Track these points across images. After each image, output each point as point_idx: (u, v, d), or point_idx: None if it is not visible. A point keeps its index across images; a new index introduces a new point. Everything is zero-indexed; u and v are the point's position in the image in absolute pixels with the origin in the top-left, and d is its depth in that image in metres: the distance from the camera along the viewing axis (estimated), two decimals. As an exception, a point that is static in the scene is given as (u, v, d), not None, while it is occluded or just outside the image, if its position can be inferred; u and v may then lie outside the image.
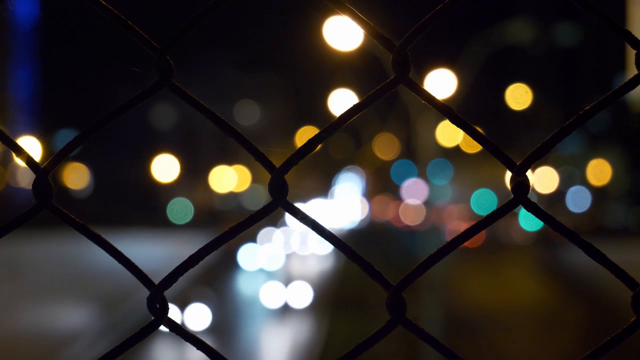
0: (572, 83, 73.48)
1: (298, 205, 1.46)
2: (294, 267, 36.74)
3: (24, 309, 27.24)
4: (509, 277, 38.51)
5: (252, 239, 36.06)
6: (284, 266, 35.33)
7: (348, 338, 22.41)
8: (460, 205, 63.01)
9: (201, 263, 1.50)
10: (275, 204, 1.45)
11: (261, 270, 33.87)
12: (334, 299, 29.92)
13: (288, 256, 38.39)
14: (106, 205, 63.63)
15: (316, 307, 28.12)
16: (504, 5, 72.75)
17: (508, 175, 1.47)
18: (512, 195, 1.45)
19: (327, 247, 39.95)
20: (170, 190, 65.32)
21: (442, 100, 1.44)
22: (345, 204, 68.57)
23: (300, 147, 1.45)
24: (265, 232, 37.76)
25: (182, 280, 1.55)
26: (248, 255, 34.56)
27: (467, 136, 1.47)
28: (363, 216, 68.88)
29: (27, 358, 21.21)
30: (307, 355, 22.42)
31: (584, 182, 67.12)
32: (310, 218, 1.45)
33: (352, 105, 1.45)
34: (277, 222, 39.69)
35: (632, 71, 1.46)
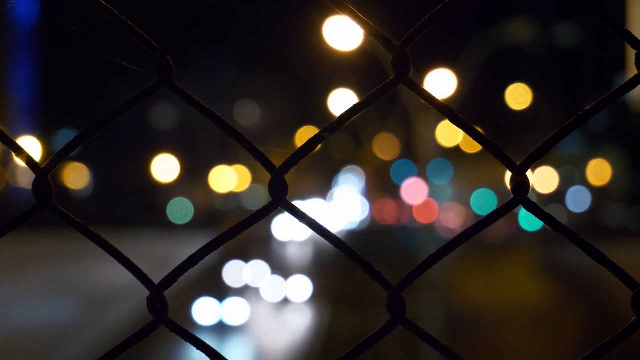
0: (572, 83, 73.49)
1: (297, 204, 1.46)
2: (262, 322, 26.29)
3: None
4: (509, 277, 38.52)
5: (217, 290, 26.66)
6: (249, 320, 25.56)
7: None
8: (451, 203, 63.11)
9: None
10: (275, 204, 1.45)
11: (220, 325, 24.83)
12: None
13: (256, 301, 28.16)
14: (106, 205, 63.66)
15: None
16: (504, 5, 72.78)
17: (508, 175, 1.47)
18: (512, 195, 1.45)
19: (305, 293, 28.61)
20: (170, 190, 65.36)
21: (442, 100, 1.44)
22: (345, 204, 68.56)
23: (300, 147, 1.45)
24: (232, 266, 30.51)
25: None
26: (206, 306, 25.45)
27: (467, 136, 1.47)
28: (363, 216, 68.87)
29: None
30: None
31: (584, 182, 67.13)
32: (310, 218, 1.45)
33: (352, 105, 1.45)
34: (248, 256, 31.55)
35: (632, 71, 1.46)
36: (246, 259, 30.97)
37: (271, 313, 27.50)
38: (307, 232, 48.26)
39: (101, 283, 31.56)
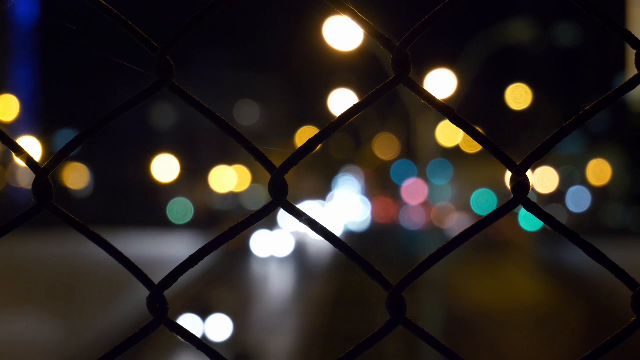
0: (572, 83, 73.48)
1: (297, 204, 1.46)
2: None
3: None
4: (509, 277, 38.52)
5: None
6: None
7: None
8: (451, 203, 63.09)
9: None
10: (275, 204, 1.45)
11: None
12: None
13: None
14: (106, 205, 63.63)
15: None
16: (504, 5, 72.76)
17: (508, 175, 1.47)
18: (512, 195, 1.45)
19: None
20: (170, 190, 65.34)
21: (442, 100, 1.44)
22: (344, 205, 68.52)
23: (300, 147, 1.45)
24: (186, 320, 21.76)
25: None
26: None
27: (467, 136, 1.47)
28: (364, 217, 68.84)
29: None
30: None
31: (584, 182, 67.13)
32: (310, 217, 1.45)
33: (352, 105, 1.45)
34: (206, 313, 22.39)
35: (632, 71, 1.46)
36: (204, 313, 22.25)
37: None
38: (289, 248, 45.28)
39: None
